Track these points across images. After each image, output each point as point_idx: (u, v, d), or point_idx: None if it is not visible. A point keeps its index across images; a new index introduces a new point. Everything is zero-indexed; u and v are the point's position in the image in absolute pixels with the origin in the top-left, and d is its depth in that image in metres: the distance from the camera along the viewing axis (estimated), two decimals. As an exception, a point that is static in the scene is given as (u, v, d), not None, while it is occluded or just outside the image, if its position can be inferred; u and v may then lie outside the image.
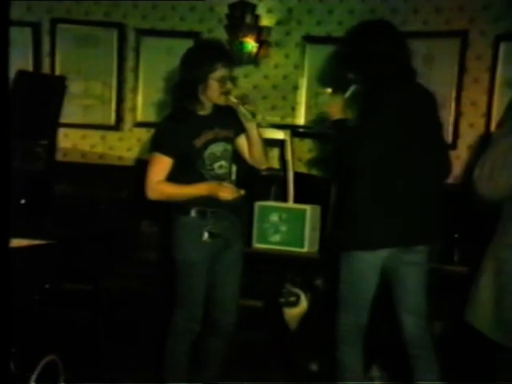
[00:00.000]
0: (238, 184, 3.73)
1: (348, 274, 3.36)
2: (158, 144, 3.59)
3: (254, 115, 3.60)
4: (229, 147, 3.65)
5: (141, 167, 6.27)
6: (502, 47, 5.73)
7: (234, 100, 3.62)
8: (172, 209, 3.66)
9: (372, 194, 3.26)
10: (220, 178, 3.60)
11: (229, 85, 3.57)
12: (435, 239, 3.41)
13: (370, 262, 3.31)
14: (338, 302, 3.40)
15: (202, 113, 3.62)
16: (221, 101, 3.59)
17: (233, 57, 3.75)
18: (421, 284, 3.37)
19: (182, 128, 3.56)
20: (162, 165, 3.53)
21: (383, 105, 3.20)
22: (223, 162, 3.62)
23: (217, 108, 3.63)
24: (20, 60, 6.44)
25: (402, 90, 3.28)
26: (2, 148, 2.22)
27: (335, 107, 3.37)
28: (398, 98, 3.24)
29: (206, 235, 3.57)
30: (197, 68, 3.53)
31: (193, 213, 3.57)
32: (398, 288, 3.39)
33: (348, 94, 3.42)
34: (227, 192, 3.52)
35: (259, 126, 4.33)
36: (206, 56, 3.55)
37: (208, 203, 3.56)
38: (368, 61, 3.30)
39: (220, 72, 3.52)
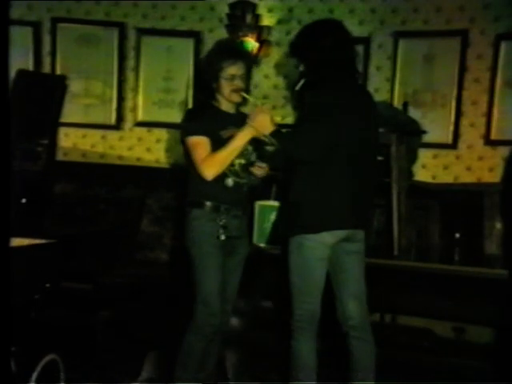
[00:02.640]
0: (252, 185, 3.70)
1: (299, 266, 3.42)
2: (191, 129, 3.55)
3: None
4: (249, 148, 3.66)
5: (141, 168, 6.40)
6: (503, 46, 5.79)
7: (248, 97, 3.64)
8: (186, 202, 3.64)
9: (314, 184, 3.37)
10: (238, 176, 3.59)
11: (238, 82, 3.56)
12: (369, 225, 3.56)
13: (318, 252, 3.39)
14: (291, 293, 3.47)
15: (226, 109, 3.62)
16: (234, 98, 3.59)
17: (241, 53, 3.70)
18: (361, 271, 3.51)
19: (208, 117, 3.55)
20: (202, 145, 3.51)
21: (323, 99, 3.33)
22: (242, 161, 3.60)
23: (239, 112, 3.66)
24: (20, 59, 6.51)
25: (341, 86, 3.39)
26: (2, 148, 2.19)
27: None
28: (336, 93, 3.35)
29: (221, 230, 3.56)
30: (209, 67, 3.56)
31: (207, 207, 3.57)
32: (342, 276, 3.50)
33: (298, 86, 3.55)
34: (268, 120, 3.45)
35: None
36: (215, 55, 3.57)
37: (222, 199, 3.57)
38: (310, 53, 3.43)
39: (228, 70, 3.52)
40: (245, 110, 3.76)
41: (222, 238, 3.55)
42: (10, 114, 2.24)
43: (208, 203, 3.56)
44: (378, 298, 4.03)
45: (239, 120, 3.60)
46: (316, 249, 3.39)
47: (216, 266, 3.58)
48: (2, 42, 2.12)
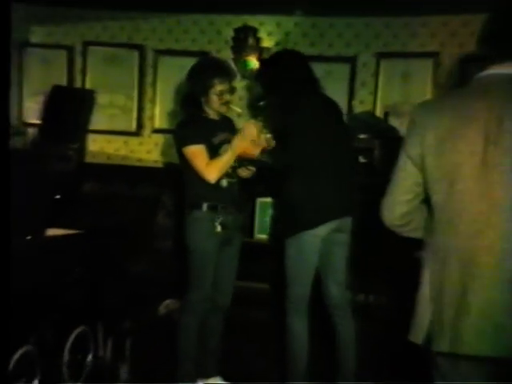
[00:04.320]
0: (242, 183, 3.72)
1: (294, 255, 3.46)
2: (188, 139, 3.52)
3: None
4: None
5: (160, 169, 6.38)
6: (468, 68, 5.65)
7: (235, 108, 3.68)
8: (186, 204, 3.63)
9: (303, 185, 3.44)
10: (229, 176, 3.59)
11: (227, 96, 3.56)
12: (353, 212, 3.55)
13: (311, 242, 3.43)
14: (285, 278, 3.52)
15: (212, 117, 3.61)
16: (222, 110, 3.60)
17: (230, 72, 3.69)
18: (344, 261, 3.58)
19: (199, 127, 3.55)
20: (201, 153, 3.49)
21: (289, 113, 3.47)
22: (233, 164, 3.60)
23: (223, 116, 3.66)
24: (56, 77, 6.54)
25: (306, 100, 3.49)
26: (2, 149, 2.17)
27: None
28: (301, 106, 3.47)
29: (219, 227, 3.54)
30: (199, 84, 3.54)
31: (205, 207, 3.54)
32: (329, 266, 3.56)
33: (262, 103, 3.91)
34: (255, 130, 3.53)
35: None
36: (205, 73, 3.54)
37: (219, 199, 3.56)
38: (269, 80, 3.63)
39: (218, 87, 3.51)
40: (231, 117, 3.77)
41: (218, 229, 3.52)
42: (9, 114, 2.18)
43: (206, 204, 3.53)
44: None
45: (225, 125, 3.64)
46: (313, 243, 3.43)
47: (210, 258, 3.56)
48: (3, 48, 2.16)
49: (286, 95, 3.50)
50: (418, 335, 2.04)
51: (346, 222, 3.51)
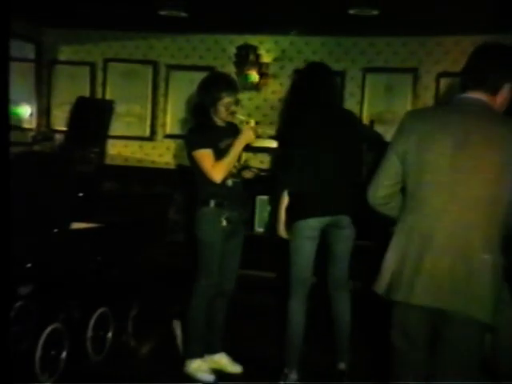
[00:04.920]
0: (245, 183, 3.77)
1: (295, 244, 3.53)
2: (197, 144, 3.54)
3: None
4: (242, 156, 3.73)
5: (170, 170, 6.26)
6: (442, 82, 5.94)
7: (241, 117, 3.73)
8: (196, 201, 3.63)
9: (302, 185, 3.51)
10: (234, 177, 3.61)
11: (233, 108, 3.60)
12: (351, 213, 3.59)
13: (306, 232, 3.50)
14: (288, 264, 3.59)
15: (219, 124, 3.62)
16: (229, 118, 3.63)
17: (236, 86, 3.67)
18: (347, 249, 3.63)
19: (208, 132, 3.56)
20: (208, 156, 3.50)
21: (306, 122, 3.54)
22: (236, 163, 3.61)
23: (229, 123, 3.68)
24: (80, 89, 6.64)
25: (320, 111, 3.56)
26: (2, 150, 2.13)
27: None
28: (316, 116, 3.54)
29: (224, 222, 3.56)
30: (208, 96, 3.56)
31: (212, 204, 3.56)
32: (333, 254, 3.63)
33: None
34: (252, 133, 3.59)
35: (260, 137, 4.32)
36: (215, 87, 3.56)
37: (225, 197, 3.57)
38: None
39: (226, 100, 3.54)
40: (236, 122, 3.77)
41: (224, 224, 3.56)
42: (8, 116, 2.16)
43: (213, 201, 3.55)
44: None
45: (230, 131, 3.63)
46: (304, 230, 3.48)
47: (217, 249, 3.58)
48: (2, 55, 2.05)
49: (295, 106, 3.67)
50: (381, 287, 2.42)
51: (342, 219, 3.54)
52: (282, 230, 3.60)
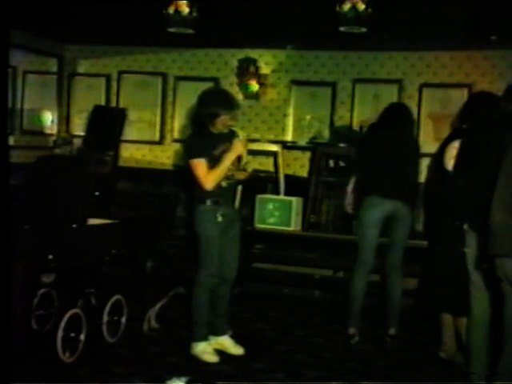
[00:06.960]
0: (239, 183, 3.81)
1: (360, 227, 3.95)
2: (194, 153, 3.55)
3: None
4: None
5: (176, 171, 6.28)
6: (424, 91, 6.01)
7: (237, 131, 3.68)
8: (194, 200, 3.65)
9: (378, 177, 3.93)
10: (228, 178, 3.62)
11: (230, 122, 3.59)
12: (408, 199, 3.98)
13: (374, 216, 3.88)
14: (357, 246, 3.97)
15: (215, 132, 3.60)
16: (224, 130, 3.61)
17: (234, 104, 3.63)
18: (405, 232, 3.99)
19: (204, 141, 3.56)
20: (202, 165, 3.51)
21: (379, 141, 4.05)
22: (231, 167, 3.62)
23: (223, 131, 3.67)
24: (96, 98, 6.71)
25: (387, 133, 4.03)
26: (2, 150, 2.10)
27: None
28: (384, 137, 4.02)
29: (220, 217, 3.59)
30: (207, 112, 3.55)
31: (208, 202, 3.58)
32: (392, 239, 3.99)
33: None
34: (242, 146, 3.62)
35: (259, 141, 4.24)
36: (214, 105, 3.55)
37: (219, 196, 3.58)
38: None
39: (223, 117, 3.54)
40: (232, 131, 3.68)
41: (220, 219, 3.59)
42: (6, 118, 2.14)
43: (209, 200, 3.58)
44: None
45: (224, 138, 3.60)
46: (372, 217, 3.88)
47: (215, 242, 3.60)
48: (2, 59, 2.01)
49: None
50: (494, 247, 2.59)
51: (401, 206, 3.88)
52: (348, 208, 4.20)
